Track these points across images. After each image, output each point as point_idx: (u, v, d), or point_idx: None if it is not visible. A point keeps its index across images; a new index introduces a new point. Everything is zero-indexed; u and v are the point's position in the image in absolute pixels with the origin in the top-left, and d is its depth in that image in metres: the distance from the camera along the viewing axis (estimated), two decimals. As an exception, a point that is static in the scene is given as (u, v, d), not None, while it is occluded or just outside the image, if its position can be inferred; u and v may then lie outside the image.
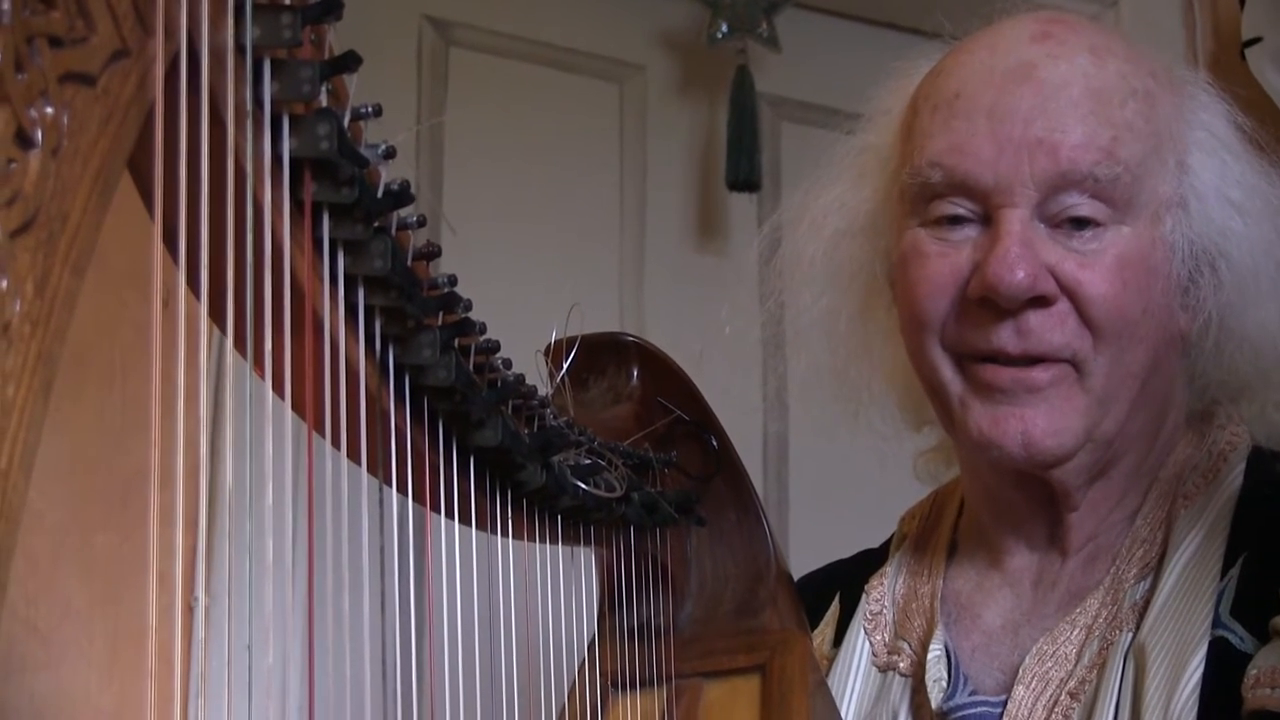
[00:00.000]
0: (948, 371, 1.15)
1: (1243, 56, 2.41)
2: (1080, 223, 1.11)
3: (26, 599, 1.39)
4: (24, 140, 0.54)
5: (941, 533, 1.31)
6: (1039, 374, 1.11)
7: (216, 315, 0.64)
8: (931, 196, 1.14)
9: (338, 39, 0.69)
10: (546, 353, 1.14)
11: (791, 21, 2.66)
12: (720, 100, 2.66)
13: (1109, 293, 1.10)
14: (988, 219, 1.12)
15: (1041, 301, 1.10)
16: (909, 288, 1.16)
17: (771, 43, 2.63)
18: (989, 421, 1.12)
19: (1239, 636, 1.07)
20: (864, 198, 1.26)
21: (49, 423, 0.56)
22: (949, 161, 1.12)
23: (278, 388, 0.69)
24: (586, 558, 1.14)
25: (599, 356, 1.19)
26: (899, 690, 1.22)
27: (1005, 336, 1.11)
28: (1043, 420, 1.11)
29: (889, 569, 1.31)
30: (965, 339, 1.13)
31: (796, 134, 2.74)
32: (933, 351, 1.15)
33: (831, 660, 1.28)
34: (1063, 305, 1.11)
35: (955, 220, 1.14)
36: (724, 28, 2.62)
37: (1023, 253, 1.09)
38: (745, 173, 2.58)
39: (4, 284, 0.53)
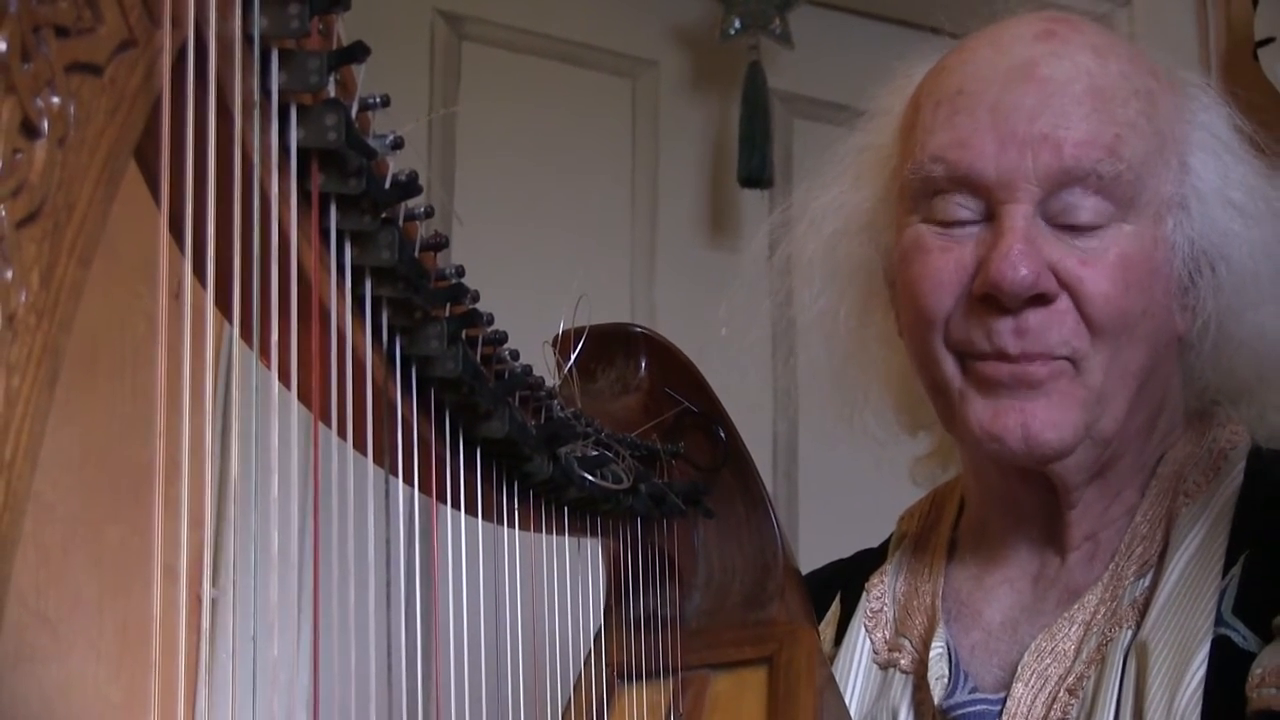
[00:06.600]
0: (950, 368, 1.15)
1: (1255, 57, 2.41)
2: (1082, 224, 1.11)
3: (37, 589, 1.39)
4: (30, 130, 0.54)
5: (941, 531, 1.31)
6: (1038, 368, 1.11)
7: (224, 306, 0.64)
8: (933, 192, 1.14)
9: (349, 34, 0.69)
10: (554, 343, 1.14)
11: (804, 18, 2.65)
12: (733, 96, 2.66)
13: (1110, 291, 1.10)
14: (990, 215, 1.12)
15: (1042, 299, 1.10)
16: (912, 283, 1.16)
17: (784, 39, 2.63)
18: (989, 415, 1.12)
19: (1241, 635, 1.07)
20: (863, 197, 1.25)
21: (61, 414, 0.55)
22: (952, 156, 1.12)
23: (284, 379, 0.70)
24: (593, 549, 1.15)
25: (607, 347, 1.19)
26: (900, 687, 1.23)
27: (1005, 336, 1.11)
28: (1041, 413, 1.11)
29: (889, 567, 1.31)
30: (968, 336, 1.13)
31: (809, 130, 2.74)
32: (936, 348, 1.15)
33: (833, 659, 1.28)
34: (1063, 303, 1.10)
35: (958, 223, 1.13)
36: (737, 24, 2.62)
37: (1026, 249, 1.09)
38: (757, 169, 2.58)
39: (9, 275, 0.53)
